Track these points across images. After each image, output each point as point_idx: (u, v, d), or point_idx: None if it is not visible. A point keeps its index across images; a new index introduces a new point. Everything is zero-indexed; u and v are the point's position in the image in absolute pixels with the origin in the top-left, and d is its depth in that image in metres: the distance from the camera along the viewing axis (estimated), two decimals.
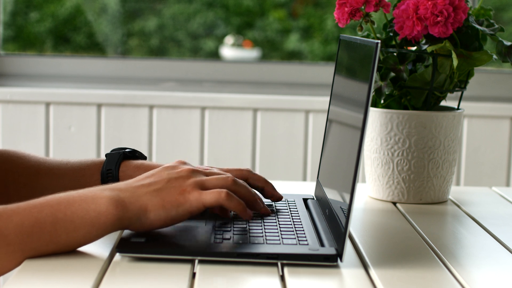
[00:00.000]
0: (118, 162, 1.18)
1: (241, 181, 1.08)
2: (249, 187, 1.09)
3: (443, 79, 1.36)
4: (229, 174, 1.07)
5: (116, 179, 1.17)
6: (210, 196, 1.02)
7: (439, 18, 1.30)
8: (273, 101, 2.39)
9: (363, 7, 1.33)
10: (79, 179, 1.19)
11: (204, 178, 1.05)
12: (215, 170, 1.10)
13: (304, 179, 2.41)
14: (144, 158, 1.22)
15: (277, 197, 1.19)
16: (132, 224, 1.00)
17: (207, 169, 1.11)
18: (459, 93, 1.51)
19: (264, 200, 1.20)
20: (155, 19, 3.52)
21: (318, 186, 1.27)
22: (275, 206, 1.20)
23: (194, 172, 1.05)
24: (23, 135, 2.38)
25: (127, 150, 1.20)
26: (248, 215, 1.06)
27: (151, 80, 2.56)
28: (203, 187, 1.03)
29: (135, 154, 1.21)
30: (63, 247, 0.98)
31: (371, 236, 1.17)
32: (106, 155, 1.19)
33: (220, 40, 3.65)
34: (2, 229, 0.94)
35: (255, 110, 2.39)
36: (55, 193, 1.00)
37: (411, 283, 0.95)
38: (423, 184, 1.36)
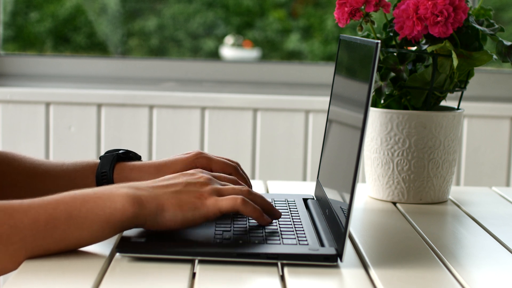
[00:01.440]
0: (112, 164, 1.19)
1: (257, 193, 1.08)
2: (264, 198, 1.09)
3: (443, 79, 1.36)
4: (245, 187, 1.07)
5: (111, 182, 1.17)
6: (226, 202, 1.03)
7: (439, 18, 1.30)
8: (273, 101, 2.39)
9: (363, 7, 1.33)
10: (74, 181, 1.19)
11: (221, 186, 1.06)
12: (228, 179, 1.11)
13: (304, 179, 2.41)
14: (139, 158, 1.23)
15: None
16: (148, 221, 1.00)
17: (221, 177, 1.13)
18: (459, 93, 1.52)
19: None
20: (155, 19, 3.52)
21: (318, 186, 1.27)
22: (275, 206, 1.20)
23: (212, 180, 1.06)
24: (23, 135, 2.38)
25: (120, 151, 1.21)
26: (266, 221, 1.07)
27: (151, 80, 2.56)
28: (219, 194, 1.04)
29: (129, 155, 1.21)
30: (74, 245, 0.98)
31: (371, 236, 1.17)
32: (100, 157, 1.20)
33: (220, 40, 3.65)
34: (18, 223, 0.95)
35: (255, 110, 2.39)
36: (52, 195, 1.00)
37: (411, 283, 0.95)
38: (423, 184, 1.36)
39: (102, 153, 2.37)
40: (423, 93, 1.36)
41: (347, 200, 0.99)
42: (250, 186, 1.22)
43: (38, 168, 1.21)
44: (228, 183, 1.09)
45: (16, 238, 0.95)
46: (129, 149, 1.23)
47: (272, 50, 3.82)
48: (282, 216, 1.14)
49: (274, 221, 1.11)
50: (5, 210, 0.95)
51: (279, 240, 1.03)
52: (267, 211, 1.08)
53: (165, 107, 2.38)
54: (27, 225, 0.95)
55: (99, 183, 1.18)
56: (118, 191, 0.99)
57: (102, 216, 0.98)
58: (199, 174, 1.07)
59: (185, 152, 1.20)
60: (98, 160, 1.20)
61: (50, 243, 0.97)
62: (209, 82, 2.56)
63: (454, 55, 1.29)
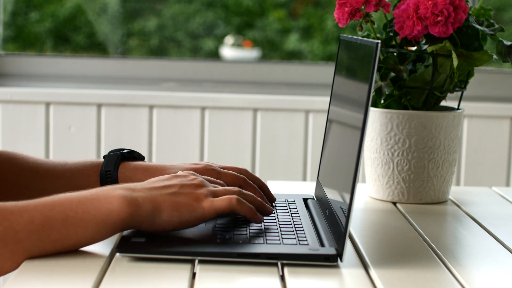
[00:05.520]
0: (117, 163, 1.18)
1: (247, 192, 1.09)
2: (255, 196, 1.10)
3: (443, 79, 1.36)
4: (236, 188, 1.08)
5: (115, 181, 1.17)
6: (222, 203, 1.03)
7: (439, 18, 1.30)
8: (273, 101, 2.39)
9: (363, 7, 1.33)
10: (77, 180, 1.19)
11: (214, 188, 1.07)
12: (220, 181, 1.12)
13: (304, 179, 2.41)
14: (142, 158, 1.22)
15: (271, 199, 1.21)
16: (145, 222, 1.00)
17: (215, 175, 1.14)
18: (459, 93, 1.52)
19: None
20: (155, 19, 3.52)
21: (318, 186, 1.27)
22: (275, 206, 1.21)
23: (204, 182, 1.07)
24: (23, 135, 2.38)
25: (125, 151, 1.21)
26: (259, 219, 1.07)
27: (151, 80, 2.56)
28: (214, 195, 1.05)
29: (133, 155, 1.21)
30: (70, 246, 0.98)
31: (371, 236, 1.17)
32: (104, 156, 1.20)
33: (220, 40, 3.65)
34: (14, 225, 0.94)
35: (255, 110, 2.39)
36: (54, 194, 1.00)
37: (411, 283, 0.95)
38: (423, 184, 1.36)
39: (102, 153, 2.37)
40: (423, 93, 1.36)
41: (347, 200, 0.99)
42: (266, 188, 1.22)
43: (40, 167, 1.21)
44: (218, 186, 1.10)
45: (11, 240, 0.94)
46: (130, 149, 1.23)
47: (272, 50, 3.82)
48: (282, 216, 1.14)
49: (274, 221, 1.12)
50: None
51: (279, 240, 1.03)
52: (259, 209, 1.09)
53: (165, 107, 2.38)
54: (22, 227, 0.95)
55: (103, 182, 1.18)
56: (114, 193, 0.99)
57: (99, 217, 0.98)
58: (192, 176, 1.07)
59: (194, 162, 1.20)
60: (102, 160, 1.20)
61: (46, 244, 0.96)
62: (209, 82, 2.56)
63: (454, 55, 1.29)
